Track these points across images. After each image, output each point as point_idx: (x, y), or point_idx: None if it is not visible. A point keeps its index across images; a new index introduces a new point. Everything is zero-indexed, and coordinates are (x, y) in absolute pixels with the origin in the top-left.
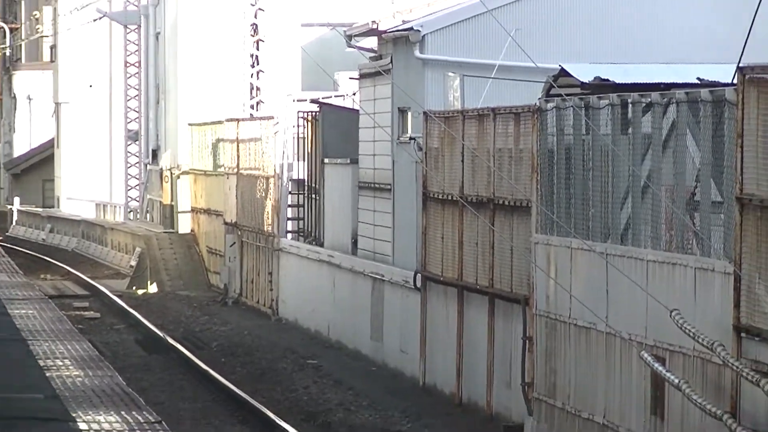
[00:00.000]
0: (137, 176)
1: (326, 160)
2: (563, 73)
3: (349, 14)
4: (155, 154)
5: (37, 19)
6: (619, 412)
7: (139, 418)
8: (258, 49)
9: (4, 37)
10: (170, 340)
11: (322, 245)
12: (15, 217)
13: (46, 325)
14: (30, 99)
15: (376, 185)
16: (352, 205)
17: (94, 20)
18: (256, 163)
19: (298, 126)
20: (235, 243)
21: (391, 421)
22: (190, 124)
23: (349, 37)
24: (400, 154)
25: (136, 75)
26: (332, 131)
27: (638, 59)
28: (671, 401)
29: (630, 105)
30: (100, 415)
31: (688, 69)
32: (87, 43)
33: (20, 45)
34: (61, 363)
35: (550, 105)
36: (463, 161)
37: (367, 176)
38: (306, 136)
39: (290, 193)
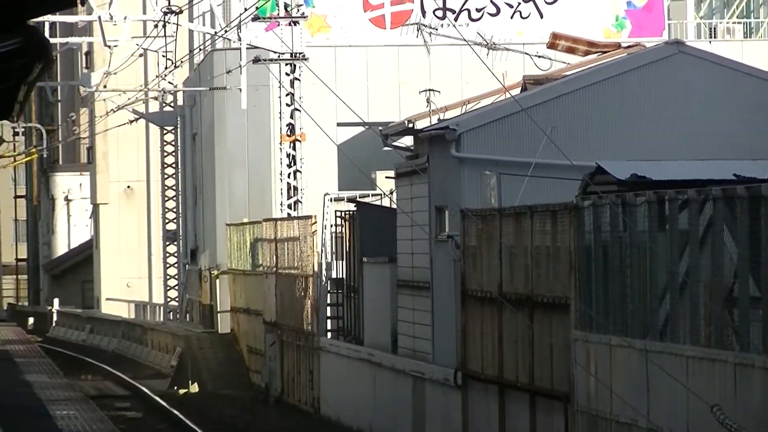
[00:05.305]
0: (176, 276)
1: (365, 260)
2: (600, 170)
3: (385, 113)
4: (194, 254)
5: (73, 121)
6: None
7: None
8: (294, 149)
9: (41, 139)
10: None
11: (361, 343)
12: (55, 318)
13: (88, 426)
14: (68, 200)
15: (415, 283)
16: (391, 304)
17: (131, 122)
18: (295, 263)
19: (335, 225)
20: (275, 342)
21: None
22: (227, 225)
23: (386, 136)
24: (438, 253)
25: (174, 176)
26: (370, 230)
27: (674, 156)
28: None
29: (667, 202)
30: None
31: (724, 165)
32: (124, 144)
33: (57, 147)
34: None
35: (586, 202)
36: (501, 259)
37: (406, 274)
38: (344, 235)
39: (329, 292)
